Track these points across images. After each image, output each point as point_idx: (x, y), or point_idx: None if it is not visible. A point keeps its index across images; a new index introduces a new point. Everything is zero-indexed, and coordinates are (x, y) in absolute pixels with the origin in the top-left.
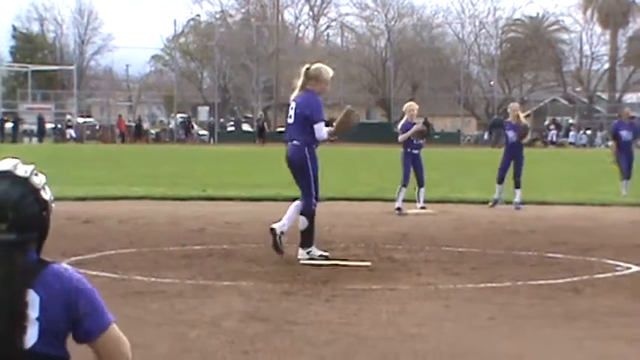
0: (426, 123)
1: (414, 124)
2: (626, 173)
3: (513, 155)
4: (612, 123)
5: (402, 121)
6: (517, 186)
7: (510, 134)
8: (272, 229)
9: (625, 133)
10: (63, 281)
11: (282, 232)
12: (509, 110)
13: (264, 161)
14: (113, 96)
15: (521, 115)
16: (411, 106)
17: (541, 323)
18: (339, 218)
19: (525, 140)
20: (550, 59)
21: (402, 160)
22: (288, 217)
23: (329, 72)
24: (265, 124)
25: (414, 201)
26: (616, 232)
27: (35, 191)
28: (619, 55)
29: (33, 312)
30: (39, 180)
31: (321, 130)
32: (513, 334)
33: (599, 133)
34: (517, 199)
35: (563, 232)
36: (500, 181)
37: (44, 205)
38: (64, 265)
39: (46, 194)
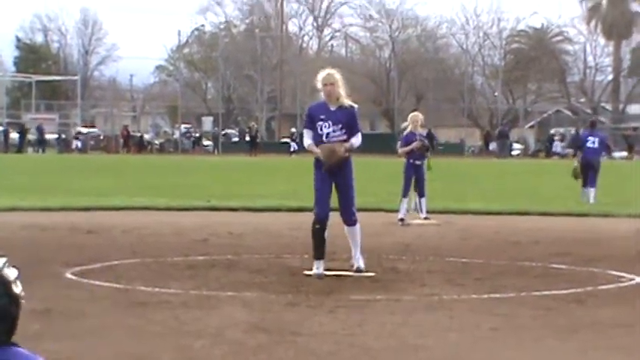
0: (429, 134)
1: (417, 135)
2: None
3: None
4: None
5: (406, 132)
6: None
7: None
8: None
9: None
10: None
11: (357, 269)
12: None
13: (268, 171)
14: (117, 106)
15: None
16: (416, 116)
17: (544, 334)
18: (342, 229)
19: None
20: (554, 70)
21: (404, 171)
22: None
23: (318, 77)
24: (258, 134)
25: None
26: (619, 243)
27: (6, 284)
28: (623, 66)
29: None
30: (10, 273)
31: (304, 138)
32: (517, 345)
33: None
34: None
35: (567, 243)
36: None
37: (14, 298)
38: (27, 351)
39: (17, 288)
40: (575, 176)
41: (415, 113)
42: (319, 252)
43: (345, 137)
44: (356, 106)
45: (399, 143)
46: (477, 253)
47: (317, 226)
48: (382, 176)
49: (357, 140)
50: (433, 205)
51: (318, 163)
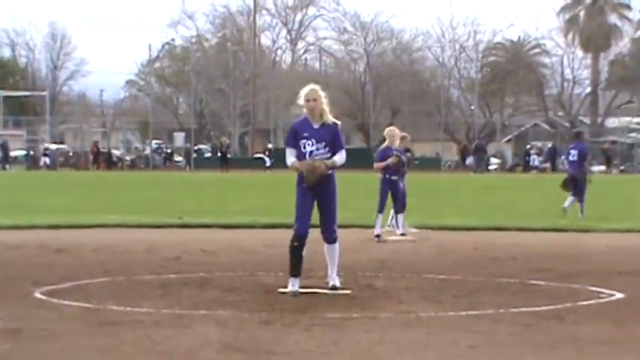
0: (406, 149)
1: (393, 150)
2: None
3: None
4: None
5: (382, 147)
6: (397, 211)
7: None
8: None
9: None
10: None
11: (333, 286)
12: (385, 134)
13: (242, 188)
14: (87, 122)
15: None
16: (392, 131)
17: (523, 351)
18: (317, 245)
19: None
20: (531, 83)
21: (380, 186)
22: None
23: (300, 93)
24: (229, 150)
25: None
26: (599, 259)
27: None
28: (601, 79)
29: None
30: None
31: (287, 156)
32: None
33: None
34: (401, 224)
35: (546, 259)
36: (382, 210)
37: None
38: None
39: None
40: (563, 187)
41: (391, 128)
42: (296, 269)
43: (328, 155)
44: (339, 122)
45: (375, 158)
46: (455, 269)
47: (295, 244)
48: (358, 191)
49: (340, 158)
50: (409, 220)
51: (300, 179)
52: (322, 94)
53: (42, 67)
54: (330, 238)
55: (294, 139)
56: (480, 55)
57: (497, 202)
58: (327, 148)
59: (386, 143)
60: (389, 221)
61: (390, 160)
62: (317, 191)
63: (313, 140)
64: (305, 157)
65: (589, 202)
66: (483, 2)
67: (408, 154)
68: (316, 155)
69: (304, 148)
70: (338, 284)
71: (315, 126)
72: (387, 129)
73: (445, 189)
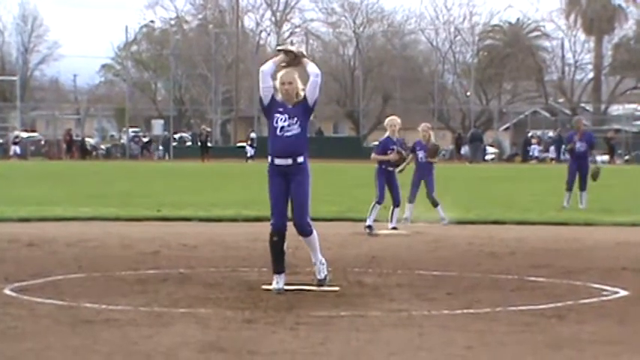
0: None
1: (395, 141)
2: (582, 185)
3: (423, 175)
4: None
5: (383, 137)
6: (435, 205)
7: (421, 154)
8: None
9: (579, 144)
10: None
11: (319, 280)
12: (419, 129)
13: (224, 178)
14: (60, 109)
15: (432, 135)
16: (393, 120)
17: (522, 352)
18: (301, 240)
19: (436, 159)
20: (530, 68)
21: (376, 177)
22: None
23: (276, 75)
24: (209, 138)
25: (387, 221)
26: (601, 254)
27: None
28: (604, 64)
29: None
30: None
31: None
32: None
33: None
34: (443, 216)
35: (545, 254)
36: (412, 200)
37: None
38: None
39: None
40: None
41: (392, 117)
42: (279, 266)
43: (299, 130)
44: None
45: (374, 148)
46: (449, 265)
47: (275, 239)
48: (347, 183)
49: (312, 67)
50: (402, 213)
51: (271, 170)
52: (296, 76)
53: (12, 51)
54: (305, 231)
55: (270, 105)
56: (476, 39)
57: (494, 194)
58: (298, 123)
59: (387, 134)
60: (405, 214)
61: (391, 157)
62: (289, 181)
63: (286, 116)
64: (276, 132)
65: (592, 195)
66: None
67: (443, 151)
68: (287, 131)
69: (276, 122)
70: (324, 276)
71: (290, 106)
72: (388, 118)
73: (439, 180)
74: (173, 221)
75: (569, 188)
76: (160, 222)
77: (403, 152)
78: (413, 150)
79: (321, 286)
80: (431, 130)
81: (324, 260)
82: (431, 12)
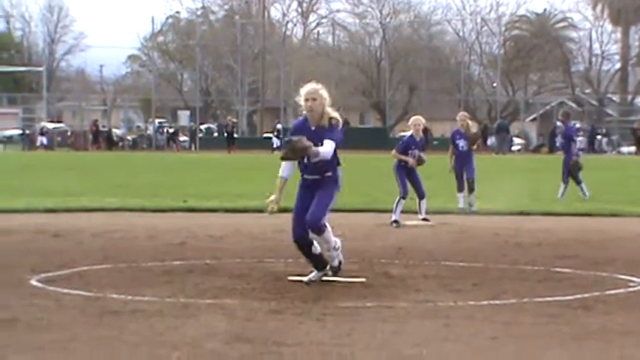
0: (425, 130)
1: (418, 142)
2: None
3: (464, 163)
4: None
5: (406, 136)
6: (471, 190)
7: (461, 143)
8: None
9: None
10: None
11: (333, 268)
12: (457, 119)
13: (249, 169)
14: (86, 99)
15: (471, 124)
16: (417, 120)
17: (548, 343)
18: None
19: (475, 147)
20: (557, 59)
21: (395, 172)
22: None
23: (301, 91)
24: (235, 129)
25: (415, 212)
26: (628, 245)
27: None
28: (631, 55)
29: None
30: None
31: (281, 169)
32: (518, 355)
33: (604, 139)
34: (473, 203)
35: (572, 245)
36: (461, 189)
37: None
38: None
39: None
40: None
41: (417, 117)
42: (312, 264)
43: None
44: (339, 119)
45: (396, 145)
46: (475, 256)
47: (297, 244)
48: (372, 174)
49: (324, 148)
50: (428, 204)
51: (301, 181)
52: (324, 94)
53: (38, 41)
54: (314, 226)
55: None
56: (502, 29)
57: (520, 185)
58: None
59: (410, 132)
60: (460, 204)
61: (410, 162)
62: (315, 189)
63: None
64: (301, 160)
65: (619, 186)
66: None
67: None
68: (310, 162)
69: None
70: (337, 263)
71: (313, 128)
72: (413, 118)
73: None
74: (199, 212)
75: (564, 180)
76: (186, 213)
77: (423, 158)
78: (452, 140)
79: (337, 274)
80: (468, 119)
81: (338, 244)
82: (457, 2)
